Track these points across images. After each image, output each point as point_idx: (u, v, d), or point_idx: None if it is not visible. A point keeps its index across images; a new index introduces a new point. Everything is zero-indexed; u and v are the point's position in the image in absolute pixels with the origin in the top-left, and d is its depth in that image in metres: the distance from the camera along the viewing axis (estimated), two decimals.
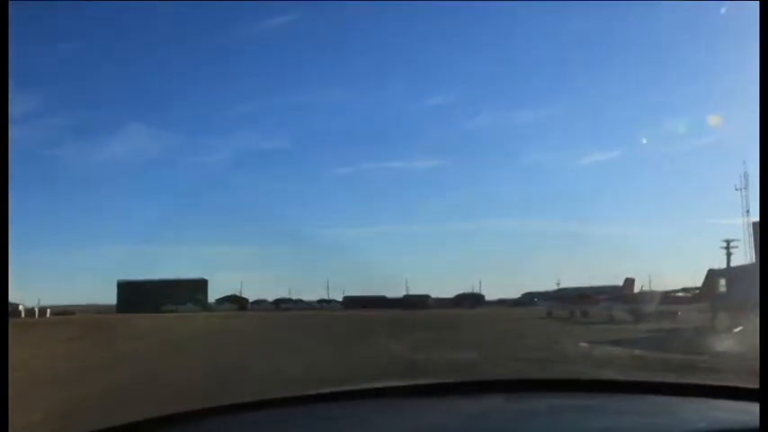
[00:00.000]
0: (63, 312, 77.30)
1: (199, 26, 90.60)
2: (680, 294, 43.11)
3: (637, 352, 17.50)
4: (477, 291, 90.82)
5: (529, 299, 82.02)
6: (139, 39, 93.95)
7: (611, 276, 59.20)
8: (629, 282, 49.06)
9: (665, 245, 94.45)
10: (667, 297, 44.27)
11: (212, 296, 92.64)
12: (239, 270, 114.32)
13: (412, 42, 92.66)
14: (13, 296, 75.53)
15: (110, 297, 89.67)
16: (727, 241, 55.69)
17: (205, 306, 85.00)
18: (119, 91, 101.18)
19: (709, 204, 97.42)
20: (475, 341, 22.35)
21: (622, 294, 47.53)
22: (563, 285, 71.82)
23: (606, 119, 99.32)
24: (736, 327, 21.85)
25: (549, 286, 75.42)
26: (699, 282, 47.28)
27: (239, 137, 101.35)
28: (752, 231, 40.49)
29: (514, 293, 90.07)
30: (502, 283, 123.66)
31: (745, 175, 48.33)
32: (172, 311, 71.05)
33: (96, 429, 1.71)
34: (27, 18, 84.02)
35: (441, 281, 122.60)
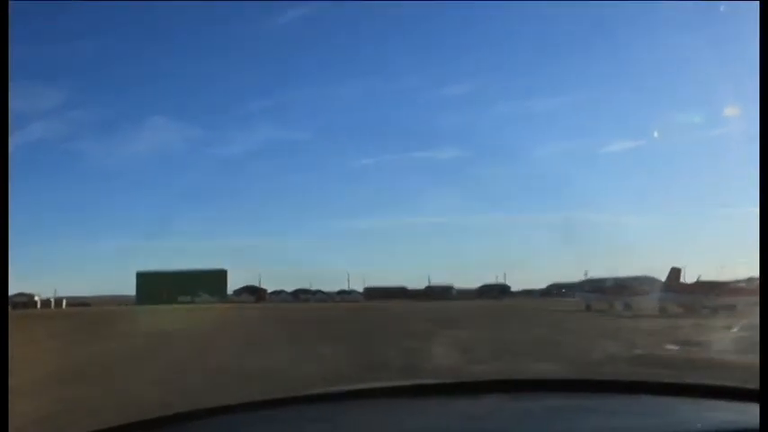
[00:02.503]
0: (78, 304, 74.35)
1: (219, 19, 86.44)
2: (741, 285, 37.55)
3: None
4: (501, 281, 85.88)
5: (557, 290, 77.13)
6: (160, 33, 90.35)
7: (636, 267, 53.94)
8: (676, 271, 43.46)
9: (690, 235, 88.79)
10: (718, 288, 38.94)
11: (233, 286, 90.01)
12: (259, 260, 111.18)
13: (428, 32, 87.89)
14: (31, 287, 73.34)
15: (131, 288, 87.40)
16: None
17: (223, 297, 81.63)
18: (140, 85, 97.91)
19: (732, 193, 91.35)
20: (534, 343, 17.48)
21: (669, 285, 42.18)
22: (591, 276, 66.76)
23: (629, 108, 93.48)
24: None
25: (574, 277, 70.56)
26: (725, 274, 42.01)
27: (260, 129, 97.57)
28: None
29: (538, 284, 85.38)
30: (525, 273, 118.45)
31: None
32: (188, 303, 67.20)
33: (96, 430, 1.67)
34: (49, 15, 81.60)
35: (462, 272, 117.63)
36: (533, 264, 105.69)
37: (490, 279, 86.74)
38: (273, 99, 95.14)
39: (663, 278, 43.98)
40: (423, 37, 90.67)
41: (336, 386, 2.25)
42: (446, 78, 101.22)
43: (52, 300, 75.90)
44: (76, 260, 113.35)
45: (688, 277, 42.97)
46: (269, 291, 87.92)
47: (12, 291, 71.28)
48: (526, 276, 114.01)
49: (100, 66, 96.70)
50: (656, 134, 77.25)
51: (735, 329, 20.66)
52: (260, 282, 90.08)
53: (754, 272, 40.79)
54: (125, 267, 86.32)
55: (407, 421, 1.91)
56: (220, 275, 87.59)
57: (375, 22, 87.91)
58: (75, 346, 18.55)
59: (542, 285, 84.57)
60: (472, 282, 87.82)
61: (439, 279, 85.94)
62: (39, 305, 72.44)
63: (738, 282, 37.39)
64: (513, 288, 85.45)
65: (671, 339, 18.29)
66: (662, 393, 2.00)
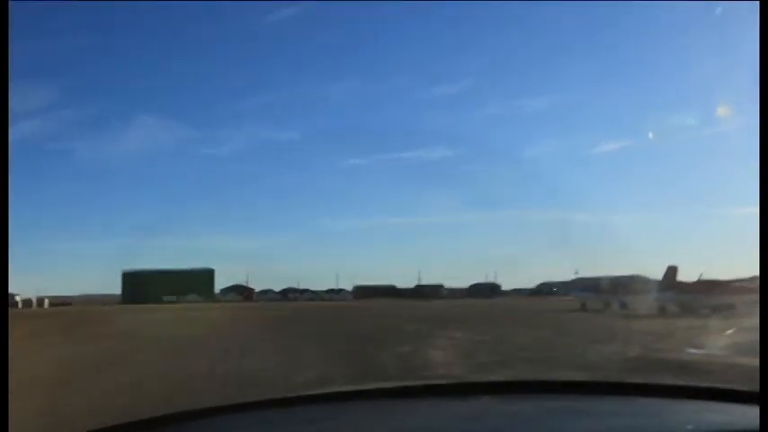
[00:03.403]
0: (60, 303, 72.12)
1: (209, 19, 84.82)
2: (744, 284, 35.93)
3: None
4: (491, 280, 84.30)
5: (547, 289, 75.85)
6: (151, 32, 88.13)
7: (625, 266, 52.74)
8: (672, 270, 41.83)
9: (679, 234, 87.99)
10: (720, 287, 37.38)
11: (221, 285, 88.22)
12: (248, 260, 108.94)
13: (419, 32, 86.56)
14: (16, 287, 70.82)
15: (118, 287, 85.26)
16: None
17: (210, 296, 79.55)
18: (129, 84, 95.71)
19: (724, 193, 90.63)
20: (541, 347, 15.66)
21: (666, 284, 40.60)
22: (581, 275, 65.42)
23: (620, 108, 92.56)
24: None
25: (564, 276, 69.17)
26: (725, 273, 40.72)
27: (250, 128, 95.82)
28: None
29: (528, 283, 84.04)
30: (515, 272, 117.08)
31: None
32: (172, 302, 65.00)
33: (96, 429, 1.65)
34: (40, 14, 79.34)
35: (452, 271, 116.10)
36: (523, 263, 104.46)
37: (480, 278, 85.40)
38: (263, 98, 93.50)
39: (653, 277, 42.59)
40: (413, 37, 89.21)
41: (332, 387, 2.22)
42: (436, 78, 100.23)
43: (34, 299, 73.53)
44: (63, 259, 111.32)
45: (687, 276, 41.47)
46: (257, 290, 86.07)
47: None
48: (516, 275, 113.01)
49: (90, 66, 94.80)
50: (650, 135, 76.17)
51: (732, 330, 19.02)
52: (247, 281, 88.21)
53: (751, 271, 39.55)
54: (113, 266, 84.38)
55: (402, 422, 1.88)
56: (207, 275, 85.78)
57: (365, 21, 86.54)
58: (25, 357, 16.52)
59: (532, 284, 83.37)
60: (462, 281, 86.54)
61: (429, 278, 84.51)
62: (20, 305, 70.19)
63: (742, 280, 35.81)
64: (504, 287, 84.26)
65: (684, 342, 16.62)
66: (658, 395, 1.94)
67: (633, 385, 2.06)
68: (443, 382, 2.27)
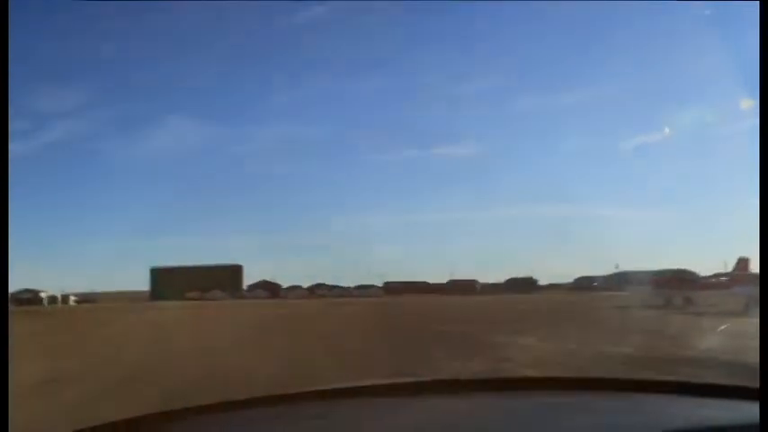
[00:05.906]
0: (86, 300, 69.61)
1: (237, 18, 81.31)
2: None
3: None
4: (527, 275, 79.18)
5: (587, 283, 70.56)
6: (179, 33, 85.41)
7: (663, 260, 48.15)
8: (744, 262, 36.67)
9: (710, 229, 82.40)
10: None
11: (250, 281, 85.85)
12: (277, 256, 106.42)
13: (448, 28, 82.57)
14: (48, 284, 69.76)
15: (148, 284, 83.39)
16: None
17: (237, 293, 76.44)
18: (159, 83, 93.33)
19: (748, 186, 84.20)
20: (658, 361, 10.85)
21: (739, 277, 35.34)
22: (621, 269, 60.22)
23: (652, 103, 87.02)
24: None
25: (600, 270, 64.13)
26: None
27: (279, 126, 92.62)
28: None
29: (562, 277, 78.81)
30: (548, 267, 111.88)
31: None
32: (197, 299, 61.57)
33: (96, 426, 1.63)
34: (71, 16, 77.71)
35: (485, 266, 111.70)
36: (556, 257, 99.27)
37: (512, 273, 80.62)
38: (291, 96, 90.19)
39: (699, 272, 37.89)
40: (442, 33, 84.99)
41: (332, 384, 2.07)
42: (465, 74, 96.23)
43: (59, 296, 71.28)
44: (96, 256, 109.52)
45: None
46: (285, 286, 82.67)
47: (23, 286, 66.97)
48: (549, 270, 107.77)
49: (120, 67, 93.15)
50: (666, 131, 71.31)
51: None
52: (274, 277, 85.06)
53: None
54: (144, 263, 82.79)
55: (401, 418, 1.81)
56: (235, 271, 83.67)
57: (394, 19, 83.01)
58: None
59: (568, 278, 78.24)
60: (495, 275, 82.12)
61: (461, 273, 79.99)
62: (45, 302, 67.92)
63: None
64: (540, 282, 79.19)
65: None
66: (657, 391, 1.90)
67: (632, 381, 2.01)
68: (439, 378, 2.13)
